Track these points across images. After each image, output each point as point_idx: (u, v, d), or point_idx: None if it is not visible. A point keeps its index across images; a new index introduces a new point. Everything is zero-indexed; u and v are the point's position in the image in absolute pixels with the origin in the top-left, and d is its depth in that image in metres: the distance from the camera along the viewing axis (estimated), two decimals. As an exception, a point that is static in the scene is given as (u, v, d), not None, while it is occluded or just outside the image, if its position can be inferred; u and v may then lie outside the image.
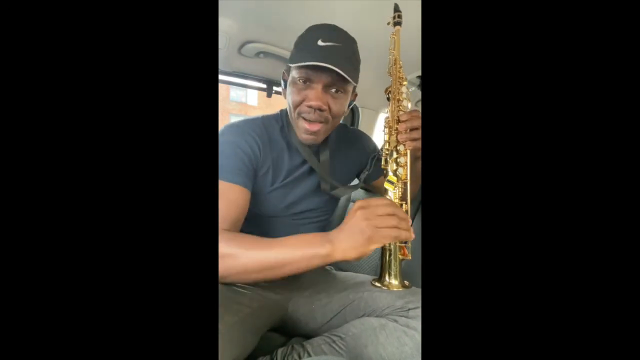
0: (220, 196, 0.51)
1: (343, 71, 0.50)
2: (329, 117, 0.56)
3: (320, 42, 0.52)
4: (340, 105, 0.57)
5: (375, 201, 0.43)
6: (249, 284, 0.56)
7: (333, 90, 0.55)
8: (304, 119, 0.56)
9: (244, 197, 0.55)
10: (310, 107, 0.54)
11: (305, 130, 0.57)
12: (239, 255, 0.46)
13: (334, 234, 0.44)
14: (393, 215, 0.42)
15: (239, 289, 0.54)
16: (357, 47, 0.58)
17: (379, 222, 0.41)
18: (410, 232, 0.43)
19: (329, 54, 0.51)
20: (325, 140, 0.65)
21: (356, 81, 0.56)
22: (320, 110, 0.54)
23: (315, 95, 0.54)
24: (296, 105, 0.56)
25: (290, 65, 0.56)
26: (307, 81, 0.54)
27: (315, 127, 0.56)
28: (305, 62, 0.51)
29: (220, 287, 0.49)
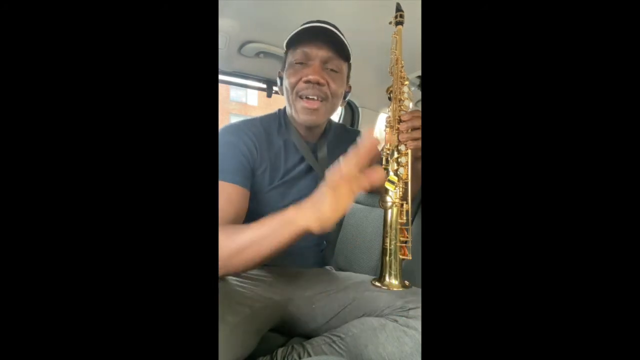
0: (219, 196, 0.51)
1: (340, 37, 0.53)
2: (328, 93, 0.57)
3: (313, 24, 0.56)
4: (338, 85, 0.58)
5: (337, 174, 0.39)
6: (247, 280, 0.56)
7: (330, 68, 0.57)
8: (302, 97, 0.56)
9: (242, 196, 0.55)
10: (308, 81, 0.55)
11: (305, 109, 0.57)
12: (225, 244, 0.43)
13: (301, 206, 0.41)
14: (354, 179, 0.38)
15: (240, 289, 0.54)
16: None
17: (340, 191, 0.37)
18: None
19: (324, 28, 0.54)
20: (323, 137, 0.65)
21: (349, 60, 0.60)
22: (319, 84, 0.55)
23: (312, 69, 0.55)
24: (294, 86, 0.57)
25: (285, 49, 0.58)
26: (304, 60, 0.56)
27: (315, 104, 0.56)
28: (303, 26, 0.53)
29: (221, 286, 0.49)
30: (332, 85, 0.57)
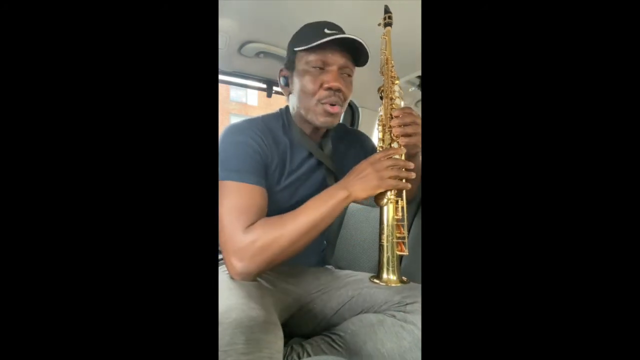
0: (239, 198, 0.51)
1: (363, 47, 0.54)
2: (343, 98, 0.58)
3: (326, 30, 0.56)
4: (350, 90, 0.60)
5: (381, 154, 0.52)
6: (268, 283, 0.57)
7: (345, 73, 0.58)
8: (326, 103, 0.57)
9: (262, 196, 0.54)
10: (330, 88, 0.56)
11: (326, 112, 0.57)
12: (282, 235, 0.48)
13: (346, 181, 0.52)
14: (395, 166, 0.50)
15: (270, 293, 0.54)
16: None
17: (384, 173, 0.49)
18: (406, 184, 0.50)
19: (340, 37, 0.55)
20: (326, 136, 0.66)
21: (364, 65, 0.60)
22: (339, 91, 0.56)
23: (333, 77, 0.56)
24: (315, 92, 0.57)
25: (297, 50, 0.57)
26: (322, 66, 0.56)
27: (336, 109, 0.57)
28: (325, 39, 0.53)
29: (260, 292, 0.49)
30: (346, 91, 0.58)
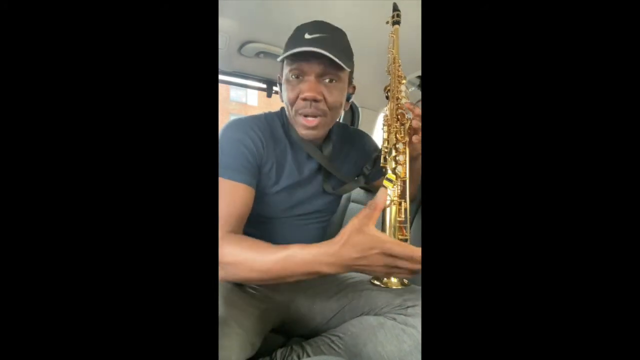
0: (223, 195, 0.50)
1: (331, 54, 0.50)
2: (326, 109, 0.55)
3: (307, 35, 0.53)
4: (337, 96, 0.55)
5: (400, 249, 0.40)
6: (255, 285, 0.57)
7: (327, 80, 0.54)
8: (302, 114, 0.55)
9: (248, 195, 0.53)
10: (305, 99, 0.53)
11: (304, 126, 0.55)
12: (245, 263, 0.45)
13: (344, 260, 0.42)
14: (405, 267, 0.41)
15: (251, 290, 0.54)
16: (346, 38, 0.57)
17: (392, 270, 0.42)
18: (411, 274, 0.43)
19: (316, 43, 0.51)
20: (327, 138, 0.65)
21: (350, 67, 0.55)
22: (316, 101, 0.53)
23: (308, 86, 0.52)
24: (292, 103, 0.55)
25: (280, 61, 0.56)
26: (299, 75, 0.54)
27: (314, 122, 0.55)
28: (292, 50, 0.51)
29: (231, 288, 0.48)
30: (330, 99, 0.54)
